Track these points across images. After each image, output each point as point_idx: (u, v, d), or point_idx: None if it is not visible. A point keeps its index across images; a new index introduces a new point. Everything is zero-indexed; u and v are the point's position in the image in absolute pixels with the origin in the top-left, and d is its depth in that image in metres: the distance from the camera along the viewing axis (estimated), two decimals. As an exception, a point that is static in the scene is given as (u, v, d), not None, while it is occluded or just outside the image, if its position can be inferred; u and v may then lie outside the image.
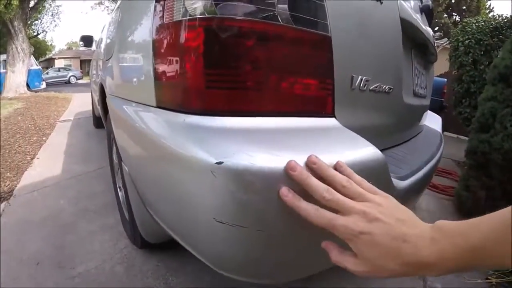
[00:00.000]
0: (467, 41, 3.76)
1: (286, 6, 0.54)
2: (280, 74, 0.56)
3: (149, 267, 1.30)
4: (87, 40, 3.42)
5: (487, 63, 3.55)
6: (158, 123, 0.62)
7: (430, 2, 1.19)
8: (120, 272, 1.27)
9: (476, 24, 3.83)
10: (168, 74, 0.60)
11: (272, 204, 0.46)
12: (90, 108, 4.03)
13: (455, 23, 10.68)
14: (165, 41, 0.60)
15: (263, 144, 0.49)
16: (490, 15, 5.61)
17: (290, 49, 0.56)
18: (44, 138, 3.89)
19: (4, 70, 9.94)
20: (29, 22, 12.52)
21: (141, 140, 0.72)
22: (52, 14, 16.68)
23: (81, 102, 6.91)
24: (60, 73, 19.76)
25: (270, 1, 0.53)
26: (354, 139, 0.59)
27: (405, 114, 0.97)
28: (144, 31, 0.72)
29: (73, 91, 10.17)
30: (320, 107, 0.62)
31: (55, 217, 1.78)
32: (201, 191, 0.50)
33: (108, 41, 1.49)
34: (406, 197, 0.75)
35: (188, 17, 0.54)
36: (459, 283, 1.32)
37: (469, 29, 3.83)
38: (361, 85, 0.69)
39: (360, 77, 0.68)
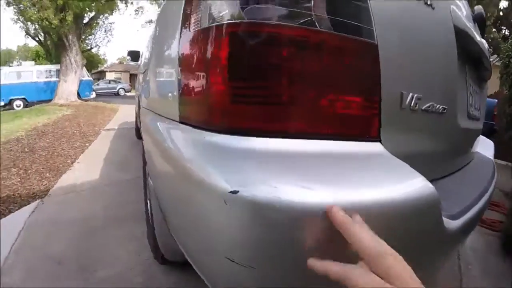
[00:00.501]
0: None
1: (324, 9, 0.47)
2: (317, 88, 0.48)
3: (168, 284, 1.25)
4: (134, 55, 3.56)
5: (542, 81, 3.19)
6: (179, 140, 0.57)
7: (482, 11, 1.06)
8: (138, 283, 1.25)
9: None
10: (191, 86, 0.56)
11: (290, 246, 0.39)
12: (134, 119, 4.16)
13: (504, 38, 9.95)
14: (190, 51, 0.56)
15: (292, 173, 0.42)
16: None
17: (329, 59, 0.48)
18: (87, 144, 4.08)
19: (57, 79, 10.74)
20: (83, 37, 13.51)
21: (163, 156, 0.67)
22: (105, 30, 17.95)
23: (127, 113, 7.23)
24: (110, 85, 21.21)
25: (306, 4, 0.46)
26: (402, 169, 0.49)
27: (458, 139, 0.84)
28: (174, 42, 0.69)
29: (121, 102, 10.74)
30: (364, 129, 0.53)
31: (85, 221, 1.81)
32: (215, 221, 0.44)
33: (146, 55, 1.51)
34: (456, 239, 0.64)
35: (212, 23, 0.48)
36: None
37: None
38: (412, 104, 0.59)
39: (411, 94, 0.58)
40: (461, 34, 0.76)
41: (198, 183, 0.45)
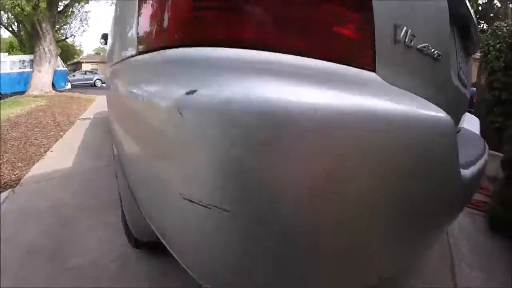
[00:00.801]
0: (498, 45, 3.53)
1: None
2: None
3: (143, 268, 1.19)
4: (107, 38, 3.45)
5: (520, 68, 3.30)
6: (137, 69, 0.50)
7: None
8: (113, 270, 1.18)
9: (507, 28, 3.61)
10: (149, 16, 0.48)
11: (278, 171, 0.31)
12: None
13: (482, 31, 10.35)
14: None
15: (274, 78, 0.34)
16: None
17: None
18: (61, 133, 3.96)
19: (31, 70, 10.32)
20: (57, 26, 13.04)
21: (120, 101, 0.60)
22: (81, 20, 17.37)
23: (103, 103, 7.02)
24: (86, 76, 20.59)
25: None
26: (408, 95, 0.45)
27: (452, 96, 0.80)
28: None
29: (97, 93, 10.40)
30: (357, 55, 0.47)
31: (56, 209, 1.73)
32: (168, 144, 0.36)
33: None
34: (470, 190, 0.61)
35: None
36: None
37: (500, 32, 3.60)
38: (407, 39, 0.53)
39: (405, 28, 0.52)
40: None
41: (150, 102, 0.38)
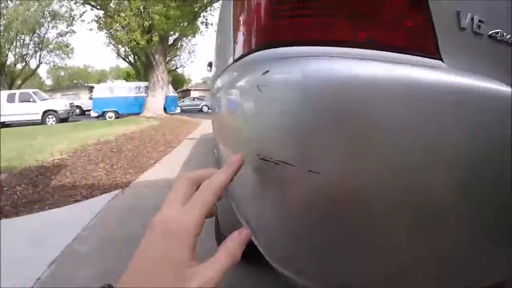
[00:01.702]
0: None
1: None
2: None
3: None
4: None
5: None
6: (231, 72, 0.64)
7: None
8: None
9: None
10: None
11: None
12: None
13: None
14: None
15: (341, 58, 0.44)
16: None
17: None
18: (169, 149, 4.50)
19: (146, 95, 12.09)
20: (168, 58, 15.05)
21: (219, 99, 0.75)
22: (189, 52, 19.99)
23: (209, 126, 7.69)
24: (194, 102, 23.41)
25: None
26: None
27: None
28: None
29: (203, 117, 11.51)
30: (418, 43, 0.50)
31: (158, 209, 1.95)
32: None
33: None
34: None
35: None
36: None
37: None
38: (474, 26, 0.51)
39: (470, 14, 0.50)
40: None
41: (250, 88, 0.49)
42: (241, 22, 0.64)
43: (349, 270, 0.49)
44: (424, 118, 0.41)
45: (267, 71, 0.43)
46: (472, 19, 0.51)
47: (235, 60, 0.67)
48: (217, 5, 12.10)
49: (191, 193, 0.36)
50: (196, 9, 11.55)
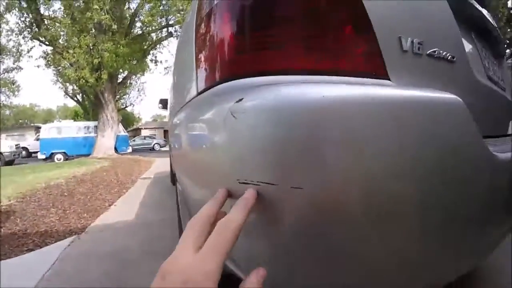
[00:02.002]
0: None
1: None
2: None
3: None
4: (165, 103, 3.76)
5: None
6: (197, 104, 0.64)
7: None
8: None
9: None
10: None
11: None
12: (169, 169, 4.37)
13: None
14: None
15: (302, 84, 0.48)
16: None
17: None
18: (124, 191, 4.28)
19: (95, 135, 11.55)
20: (117, 97, 14.68)
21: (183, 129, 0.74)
22: (138, 90, 19.62)
23: (162, 165, 7.62)
24: (145, 141, 22.74)
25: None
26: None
27: (486, 97, 0.82)
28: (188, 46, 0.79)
29: (156, 156, 11.23)
30: (367, 67, 0.56)
31: (119, 254, 1.88)
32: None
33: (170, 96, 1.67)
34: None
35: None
36: None
37: None
38: (414, 48, 0.59)
39: (409, 38, 0.59)
40: None
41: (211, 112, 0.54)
42: (204, 57, 0.66)
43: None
44: (382, 129, 0.45)
45: (241, 99, 0.46)
46: (412, 42, 0.59)
47: (199, 93, 0.68)
48: (166, 43, 12.32)
49: (205, 235, 0.34)
50: (145, 47, 11.58)
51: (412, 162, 0.46)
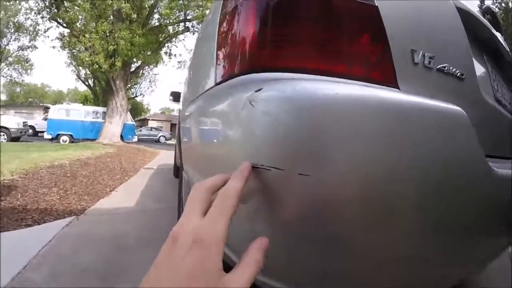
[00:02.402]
0: None
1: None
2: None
3: None
4: (176, 96, 3.77)
5: None
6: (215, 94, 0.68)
7: (491, 6, 1.08)
8: None
9: None
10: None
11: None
12: (173, 162, 4.39)
13: None
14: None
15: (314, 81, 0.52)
16: None
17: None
18: (126, 178, 4.29)
19: (103, 120, 11.63)
20: (129, 85, 14.79)
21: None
22: (150, 81, 19.74)
23: (166, 157, 7.65)
24: (152, 132, 22.80)
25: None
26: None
27: (490, 117, 0.84)
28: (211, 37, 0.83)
29: (160, 148, 11.25)
30: (379, 75, 0.59)
31: (115, 239, 1.90)
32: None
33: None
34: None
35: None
36: None
37: None
38: (425, 61, 0.62)
39: (421, 51, 0.61)
40: (466, 15, 0.80)
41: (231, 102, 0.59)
42: (225, 51, 0.70)
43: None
44: (387, 129, 0.48)
45: (261, 89, 0.49)
46: (424, 55, 0.62)
47: (217, 84, 0.71)
48: (182, 37, 12.38)
49: (208, 202, 0.36)
50: (161, 39, 11.66)
51: (412, 163, 0.49)
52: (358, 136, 0.46)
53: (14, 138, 11.39)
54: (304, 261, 0.53)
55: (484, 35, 0.93)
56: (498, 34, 1.00)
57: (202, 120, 0.77)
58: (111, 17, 9.99)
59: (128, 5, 8.85)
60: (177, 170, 4.14)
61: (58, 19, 10.31)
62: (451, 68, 0.67)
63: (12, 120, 12.04)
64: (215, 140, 0.66)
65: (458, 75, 0.68)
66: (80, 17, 10.05)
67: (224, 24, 0.74)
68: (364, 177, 0.46)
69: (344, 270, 0.54)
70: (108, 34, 9.58)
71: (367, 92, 0.50)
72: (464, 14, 0.79)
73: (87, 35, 9.49)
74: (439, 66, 0.65)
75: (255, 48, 0.59)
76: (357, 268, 0.54)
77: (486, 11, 1.01)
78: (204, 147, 0.77)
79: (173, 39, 12.34)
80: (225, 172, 0.43)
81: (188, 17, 11.27)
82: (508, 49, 1.06)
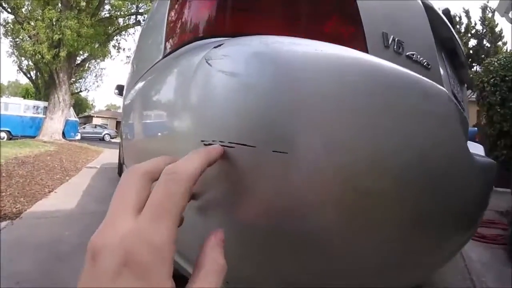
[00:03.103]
0: (492, 80, 3.69)
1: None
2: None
3: None
4: (122, 89, 3.55)
5: (516, 98, 3.46)
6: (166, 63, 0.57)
7: (448, 8, 1.12)
8: None
9: (498, 62, 3.78)
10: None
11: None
12: (118, 159, 4.17)
13: (476, 73, 10.97)
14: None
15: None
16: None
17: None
18: (67, 178, 4.03)
19: (44, 116, 10.71)
20: (73, 79, 13.80)
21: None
22: (96, 75, 18.48)
23: (111, 156, 7.20)
24: (96, 130, 21.39)
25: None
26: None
27: (450, 107, 0.84)
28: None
29: (105, 146, 10.65)
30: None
31: (54, 245, 1.74)
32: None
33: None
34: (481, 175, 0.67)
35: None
36: None
37: (492, 67, 3.78)
38: (395, 46, 0.59)
39: (392, 35, 0.58)
40: (429, 9, 0.79)
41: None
42: (176, 19, 0.61)
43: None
44: (375, 93, 0.41)
45: (221, 44, 0.38)
46: (394, 40, 0.59)
47: (164, 56, 0.61)
48: (132, 30, 11.79)
49: (146, 195, 0.24)
50: (110, 31, 10.99)
51: (402, 140, 0.43)
52: (349, 102, 0.38)
53: None
54: (280, 261, 0.41)
55: (444, 34, 0.95)
56: (455, 34, 1.03)
57: (146, 101, 0.65)
58: (59, 5, 9.23)
59: (78, -8, 8.26)
60: (121, 168, 3.92)
61: (2, 3, 9.29)
62: (419, 56, 0.65)
63: None
64: (162, 121, 0.54)
65: (425, 64, 0.67)
66: (26, 2, 9.23)
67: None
68: (356, 154, 0.37)
69: (328, 268, 0.44)
70: (54, 23, 8.82)
71: (355, 54, 0.44)
72: (429, 9, 0.79)
73: (32, 23, 8.68)
74: (408, 53, 0.62)
75: (216, 10, 0.49)
76: (343, 264, 0.44)
77: (445, 13, 1.04)
78: (149, 132, 0.64)
79: (123, 32, 11.71)
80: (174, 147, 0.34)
81: (140, 10, 10.78)
82: (463, 49, 1.11)
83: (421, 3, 0.76)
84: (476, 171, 0.61)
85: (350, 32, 0.54)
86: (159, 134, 0.53)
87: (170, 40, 0.61)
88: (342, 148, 0.37)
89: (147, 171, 0.26)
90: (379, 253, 0.46)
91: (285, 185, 0.35)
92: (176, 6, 0.63)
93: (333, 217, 0.38)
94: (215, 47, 0.38)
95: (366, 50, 0.54)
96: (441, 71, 0.84)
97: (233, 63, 0.37)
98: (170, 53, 0.58)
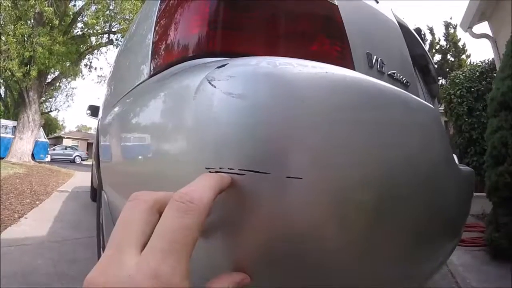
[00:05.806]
0: (458, 92, 3.91)
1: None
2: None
3: None
4: (94, 110, 3.47)
5: (482, 107, 3.73)
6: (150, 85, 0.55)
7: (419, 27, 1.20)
8: None
9: (463, 74, 4.03)
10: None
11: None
12: (90, 184, 3.99)
13: (441, 86, 11.65)
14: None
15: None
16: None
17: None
18: (37, 202, 3.82)
19: (13, 136, 10.20)
20: (43, 98, 13.29)
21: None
22: (67, 95, 17.85)
23: (82, 179, 6.91)
24: (66, 151, 20.50)
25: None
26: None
27: (438, 121, 0.89)
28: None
29: (76, 169, 10.26)
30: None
31: (27, 275, 1.62)
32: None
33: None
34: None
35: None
36: None
37: (458, 80, 4.02)
38: (378, 66, 0.62)
39: (375, 56, 0.61)
40: (404, 30, 0.86)
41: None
42: (164, 37, 0.59)
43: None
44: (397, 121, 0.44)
45: (225, 64, 0.36)
46: (377, 60, 0.62)
47: (151, 76, 0.59)
48: (104, 49, 11.59)
49: (152, 228, 0.21)
50: (82, 50, 10.75)
51: (411, 161, 0.46)
52: (364, 128, 0.38)
53: None
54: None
55: (417, 51, 1.00)
56: (427, 52, 1.10)
57: (133, 122, 0.61)
58: (32, 20, 8.96)
59: (51, 9, 8.02)
60: (95, 192, 3.73)
61: (-27, 18, 8.89)
62: (399, 75, 0.69)
63: None
64: (155, 144, 0.50)
65: (404, 82, 0.71)
66: (-1, 16, 8.82)
67: (164, 10, 0.62)
68: (372, 178, 0.38)
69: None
70: (26, 39, 8.54)
71: (358, 76, 0.44)
72: (404, 29, 0.84)
73: (3, 37, 8.34)
74: (390, 72, 0.66)
75: (207, 29, 0.48)
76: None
77: (417, 32, 1.11)
78: (138, 155, 0.59)
79: (95, 51, 11.45)
80: (167, 188, 0.29)
81: (113, 29, 10.66)
82: (434, 66, 1.18)
83: (397, 23, 0.81)
84: (461, 180, 0.64)
85: (339, 52, 0.56)
86: (151, 158, 0.49)
87: (156, 60, 0.59)
88: (359, 171, 0.37)
89: (156, 201, 0.23)
90: (376, 268, 0.46)
91: (301, 212, 0.34)
92: (162, 26, 0.63)
93: (344, 236, 0.38)
94: (218, 67, 0.36)
95: (353, 68, 0.57)
96: (418, 87, 0.89)
97: (242, 84, 0.35)
98: (157, 73, 0.56)
